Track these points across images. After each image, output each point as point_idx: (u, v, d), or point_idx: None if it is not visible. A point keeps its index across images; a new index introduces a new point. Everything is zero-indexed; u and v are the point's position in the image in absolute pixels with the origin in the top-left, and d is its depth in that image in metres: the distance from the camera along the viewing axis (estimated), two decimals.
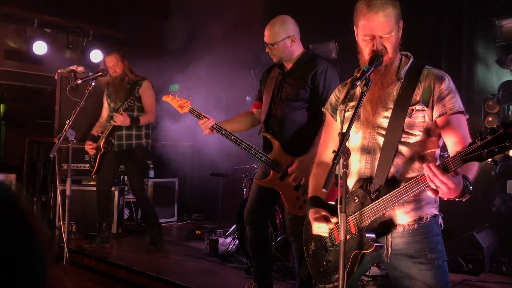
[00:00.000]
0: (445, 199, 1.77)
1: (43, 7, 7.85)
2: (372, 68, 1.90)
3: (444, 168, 1.64)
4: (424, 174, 1.71)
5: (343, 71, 6.02)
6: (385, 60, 1.95)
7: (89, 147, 4.78)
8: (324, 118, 2.28)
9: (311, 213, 2.03)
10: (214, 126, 3.28)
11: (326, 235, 2.02)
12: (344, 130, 1.83)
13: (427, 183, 1.68)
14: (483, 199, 4.79)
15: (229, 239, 5.16)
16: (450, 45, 5.23)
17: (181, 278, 4.02)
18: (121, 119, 4.60)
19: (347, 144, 2.05)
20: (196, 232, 5.84)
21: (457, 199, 1.73)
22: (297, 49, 3.29)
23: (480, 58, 5.11)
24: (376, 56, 1.93)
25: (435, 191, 1.68)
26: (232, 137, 3.26)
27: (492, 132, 1.54)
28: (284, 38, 3.22)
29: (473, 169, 1.75)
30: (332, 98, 2.22)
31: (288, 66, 3.32)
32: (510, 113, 4.81)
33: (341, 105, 2.12)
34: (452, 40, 5.22)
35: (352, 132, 2.01)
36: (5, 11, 7.70)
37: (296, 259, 3.35)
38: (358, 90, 2.01)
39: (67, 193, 3.94)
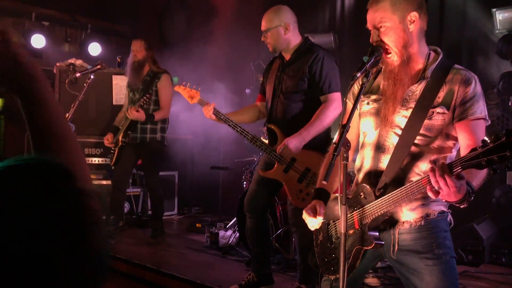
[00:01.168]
0: (443, 200, 1.76)
1: (41, 0, 7.81)
2: (372, 59, 1.90)
3: (450, 169, 1.60)
4: (425, 177, 1.68)
5: (343, 61, 6.02)
6: (399, 60, 1.91)
7: (107, 142, 4.86)
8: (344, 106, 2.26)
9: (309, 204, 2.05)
10: (214, 111, 3.30)
11: (312, 228, 2.04)
12: (368, 123, 1.84)
13: (427, 186, 1.66)
14: (483, 190, 4.77)
15: (229, 232, 5.17)
16: (449, 36, 5.20)
17: (182, 271, 4.03)
18: (136, 115, 4.61)
19: (363, 139, 2.05)
20: (197, 225, 5.84)
21: (455, 204, 1.70)
22: (294, 39, 3.28)
23: (480, 49, 5.09)
24: (376, 48, 1.93)
25: (436, 192, 1.63)
26: (238, 129, 3.30)
27: (495, 139, 1.50)
28: (277, 25, 3.23)
29: (478, 176, 1.70)
30: (355, 87, 2.14)
31: (287, 57, 3.32)
32: (510, 104, 4.79)
33: (363, 96, 2.07)
34: (451, 31, 5.20)
35: (370, 127, 2.02)
36: (3, 5, 7.66)
37: (298, 251, 3.36)
38: (381, 83, 2.00)
39: None
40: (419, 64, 1.96)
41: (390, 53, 1.93)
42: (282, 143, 3.11)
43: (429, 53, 1.99)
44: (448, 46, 5.20)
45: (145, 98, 4.62)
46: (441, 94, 1.89)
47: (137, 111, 4.57)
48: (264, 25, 3.29)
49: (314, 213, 1.98)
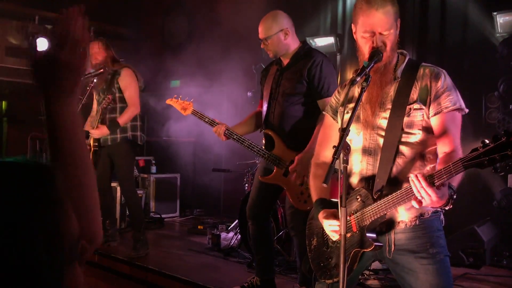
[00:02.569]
0: (429, 207, 1.81)
1: (44, 4, 7.85)
2: (372, 64, 1.90)
3: (431, 180, 1.65)
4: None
5: (344, 65, 6.05)
6: (384, 59, 1.95)
7: None
8: (323, 119, 2.29)
9: (321, 215, 2.04)
10: (226, 133, 3.33)
11: (331, 232, 2.01)
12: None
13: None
14: (484, 193, 4.80)
15: (231, 234, 5.19)
16: (450, 39, 5.22)
17: (184, 273, 4.05)
18: (97, 133, 4.38)
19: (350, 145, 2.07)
20: (199, 227, 5.87)
21: (440, 209, 1.77)
22: (293, 43, 3.30)
23: (481, 52, 5.10)
24: (376, 52, 1.93)
25: (419, 201, 1.70)
26: (246, 143, 3.32)
27: (495, 139, 1.54)
28: (277, 32, 3.24)
29: (457, 176, 1.73)
30: (332, 100, 2.21)
31: (285, 61, 3.33)
32: (511, 107, 4.81)
33: (341, 107, 2.12)
34: (453, 34, 5.22)
35: (353, 133, 2.04)
36: (6, 8, 7.71)
37: (297, 253, 3.38)
38: (357, 91, 2.03)
39: None
40: (391, 67, 2.02)
41: (383, 52, 1.96)
42: (294, 162, 3.11)
43: (398, 56, 2.05)
44: (449, 49, 5.22)
45: (106, 99, 4.41)
46: (415, 91, 1.94)
47: (96, 127, 4.33)
48: (263, 33, 3.27)
49: (337, 217, 1.96)
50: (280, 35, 3.24)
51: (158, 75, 6.64)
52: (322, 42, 6.00)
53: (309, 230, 2.21)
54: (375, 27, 1.93)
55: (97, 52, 4.50)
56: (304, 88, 3.19)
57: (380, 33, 1.94)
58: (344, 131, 1.81)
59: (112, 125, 4.44)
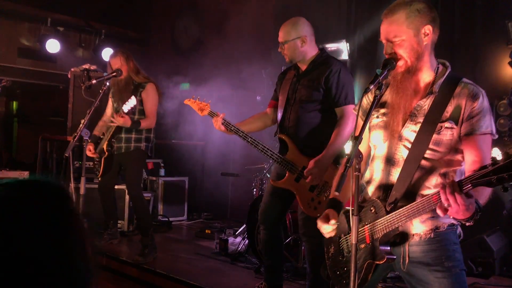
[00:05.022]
0: (451, 217, 1.78)
1: (56, 6, 7.93)
2: (385, 72, 1.90)
3: (460, 187, 1.61)
4: (435, 193, 1.70)
5: (354, 71, 6.04)
6: (402, 66, 1.93)
7: (90, 152, 4.63)
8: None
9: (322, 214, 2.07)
10: (223, 122, 3.33)
11: (326, 235, 2.07)
12: (377, 137, 1.86)
13: (437, 202, 1.67)
14: (494, 202, 4.76)
15: (239, 239, 5.18)
16: (462, 47, 5.20)
17: (191, 277, 4.05)
18: (121, 121, 4.45)
19: (373, 152, 2.08)
20: (206, 231, 5.87)
21: (462, 221, 1.72)
22: (311, 51, 3.31)
23: (492, 60, 5.08)
24: (389, 60, 1.94)
25: (445, 210, 1.65)
26: (249, 139, 3.31)
27: (506, 157, 1.51)
28: (295, 38, 3.26)
29: (484, 194, 1.71)
30: (364, 101, 2.16)
31: (303, 67, 3.34)
32: None
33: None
34: (464, 42, 5.20)
35: (379, 140, 2.03)
36: (19, 10, 7.80)
37: (307, 260, 3.37)
38: (388, 97, 2.02)
39: (82, 191, 3.94)
40: (428, 77, 1.97)
41: (400, 59, 1.94)
42: (310, 164, 3.11)
43: (438, 67, 2.00)
44: (460, 57, 5.20)
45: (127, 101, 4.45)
46: (449, 109, 1.89)
47: (122, 116, 4.43)
48: (281, 37, 3.31)
49: (327, 221, 2.01)
50: (297, 42, 3.26)
51: (167, 78, 6.67)
52: (332, 48, 5.99)
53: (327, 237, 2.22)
54: (384, 34, 1.96)
55: (120, 67, 4.58)
56: (320, 95, 3.20)
57: (390, 41, 1.94)
58: (356, 139, 1.81)
59: (136, 122, 4.57)
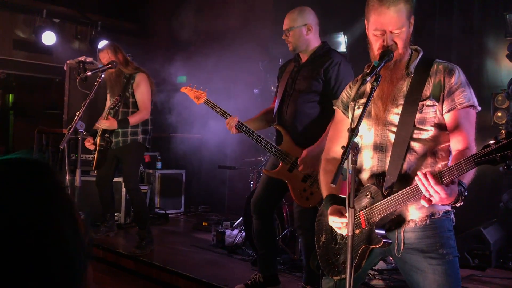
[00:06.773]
0: (439, 205, 1.80)
1: None
2: (383, 64, 1.90)
3: (439, 177, 1.64)
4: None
5: (352, 63, 6.01)
6: (395, 56, 1.94)
7: (88, 143, 4.64)
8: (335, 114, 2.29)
9: (330, 210, 2.03)
10: (237, 125, 3.31)
11: (340, 229, 2.02)
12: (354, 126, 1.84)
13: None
14: (491, 195, 4.78)
15: (235, 231, 5.19)
16: (460, 40, 5.19)
17: (188, 269, 4.05)
18: (106, 124, 4.45)
19: (360, 141, 2.06)
20: (203, 223, 5.87)
21: (450, 205, 1.75)
22: (314, 41, 3.29)
23: (490, 52, 5.06)
24: (386, 52, 1.93)
25: (429, 200, 1.68)
26: (254, 136, 3.30)
27: (508, 136, 1.52)
28: (300, 25, 3.24)
29: (469, 173, 1.72)
30: (344, 95, 2.21)
31: (304, 58, 3.33)
32: None
33: (351, 102, 2.13)
34: (462, 35, 5.18)
35: (364, 129, 2.03)
36: (14, 1, 7.73)
37: (303, 252, 3.37)
38: (368, 87, 2.00)
39: (77, 184, 3.93)
40: (403, 63, 2.00)
41: (396, 50, 1.95)
42: (303, 154, 3.10)
43: (411, 52, 2.03)
44: (458, 49, 5.19)
45: (114, 100, 4.49)
46: (428, 87, 1.92)
47: (107, 118, 4.41)
48: (287, 24, 3.28)
49: (341, 215, 1.97)
50: (302, 29, 3.24)
51: (164, 71, 6.64)
52: (330, 40, 5.97)
53: (318, 227, 2.21)
54: (386, 25, 1.92)
55: (107, 60, 4.54)
56: (319, 87, 3.19)
57: (391, 32, 1.92)
58: (353, 131, 1.80)
59: (122, 122, 4.52)
